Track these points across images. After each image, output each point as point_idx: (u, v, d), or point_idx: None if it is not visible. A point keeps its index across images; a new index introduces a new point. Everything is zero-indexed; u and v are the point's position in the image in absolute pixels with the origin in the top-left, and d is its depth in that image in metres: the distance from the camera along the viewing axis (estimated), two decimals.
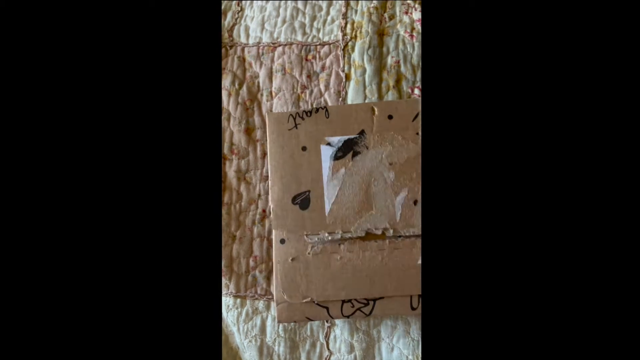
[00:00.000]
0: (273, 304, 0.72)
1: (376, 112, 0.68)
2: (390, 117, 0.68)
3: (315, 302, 0.64)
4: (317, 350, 0.71)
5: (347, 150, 0.67)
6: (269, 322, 0.72)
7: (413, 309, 0.63)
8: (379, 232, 0.65)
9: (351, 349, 0.70)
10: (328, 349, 0.71)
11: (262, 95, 0.82)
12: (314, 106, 0.79)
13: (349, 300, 0.64)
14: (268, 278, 0.73)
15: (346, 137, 0.68)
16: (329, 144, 0.68)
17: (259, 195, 0.76)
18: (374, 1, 0.84)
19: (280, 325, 0.67)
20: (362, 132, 0.68)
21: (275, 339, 0.71)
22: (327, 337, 0.71)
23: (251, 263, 0.74)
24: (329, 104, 0.79)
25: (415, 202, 0.65)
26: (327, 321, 0.71)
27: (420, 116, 0.68)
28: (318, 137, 0.68)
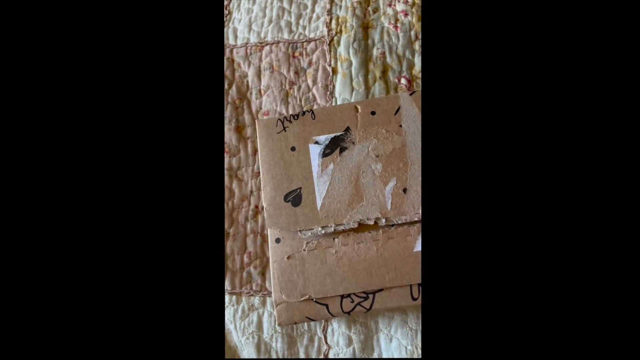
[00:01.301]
0: (269, 300, 0.69)
1: (359, 110, 0.66)
2: (373, 113, 0.65)
3: (314, 300, 0.61)
4: (316, 344, 0.68)
5: (334, 146, 0.64)
6: (265, 318, 0.69)
7: (414, 299, 0.60)
8: (372, 222, 0.61)
9: (349, 341, 0.67)
10: (326, 342, 0.68)
11: (251, 93, 0.80)
12: (301, 109, 0.77)
13: (348, 295, 0.60)
14: (263, 274, 0.70)
15: (333, 135, 0.65)
16: (316, 142, 0.65)
17: (251, 191, 0.74)
18: None
19: (274, 309, 0.63)
20: (347, 129, 0.65)
21: (272, 335, 0.68)
22: (324, 330, 0.68)
23: (245, 259, 0.71)
24: (317, 98, 0.77)
25: (404, 190, 0.62)
26: None
27: (401, 110, 0.65)
28: (306, 137, 0.65)
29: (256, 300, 0.69)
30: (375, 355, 0.66)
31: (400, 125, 0.64)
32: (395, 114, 0.65)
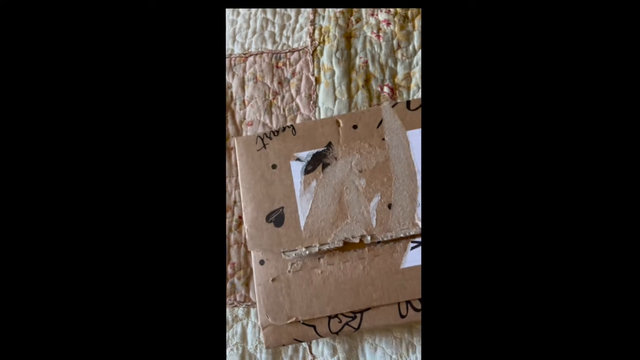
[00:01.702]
0: (253, 311, 0.66)
1: (341, 124, 0.63)
2: (355, 127, 0.62)
3: (301, 322, 0.57)
4: (300, 354, 0.65)
5: (316, 163, 0.61)
6: (249, 329, 0.66)
7: (402, 316, 0.56)
8: (357, 241, 0.58)
9: (334, 351, 0.64)
10: (311, 353, 0.65)
11: (235, 104, 0.77)
12: (284, 122, 0.74)
13: (336, 316, 0.57)
14: (247, 284, 0.67)
15: (314, 151, 0.62)
16: (298, 159, 0.61)
17: (235, 202, 0.71)
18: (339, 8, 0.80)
19: (261, 332, 0.60)
20: (329, 145, 0.62)
21: (256, 346, 0.66)
22: (309, 341, 0.64)
23: (229, 270, 0.68)
24: (301, 107, 0.75)
25: (389, 206, 0.58)
26: None
27: (384, 122, 0.62)
28: (287, 154, 0.62)
29: (240, 311, 0.66)
30: None
31: (383, 139, 0.61)
32: (377, 127, 0.62)
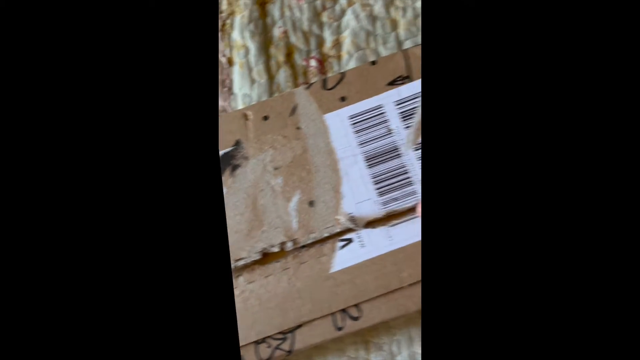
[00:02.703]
0: None
1: (249, 117, 0.60)
2: (265, 118, 0.60)
3: None
4: None
5: (224, 166, 0.59)
6: None
7: (339, 329, 0.54)
8: (277, 249, 0.56)
9: None
10: None
11: None
12: None
13: (263, 340, 0.55)
14: None
15: (221, 152, 0.59)
16: None
17: None
18: None
19: None
20: (237, 143, 0.59)
21: None
22: None
23: None
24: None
25: (311, 204, 0.57)
26: None
27: (298, 108, 0.60)
28: None
29: None
30: None
31: (299, 127, 0.59)
32: (291, 115, 0.60)
